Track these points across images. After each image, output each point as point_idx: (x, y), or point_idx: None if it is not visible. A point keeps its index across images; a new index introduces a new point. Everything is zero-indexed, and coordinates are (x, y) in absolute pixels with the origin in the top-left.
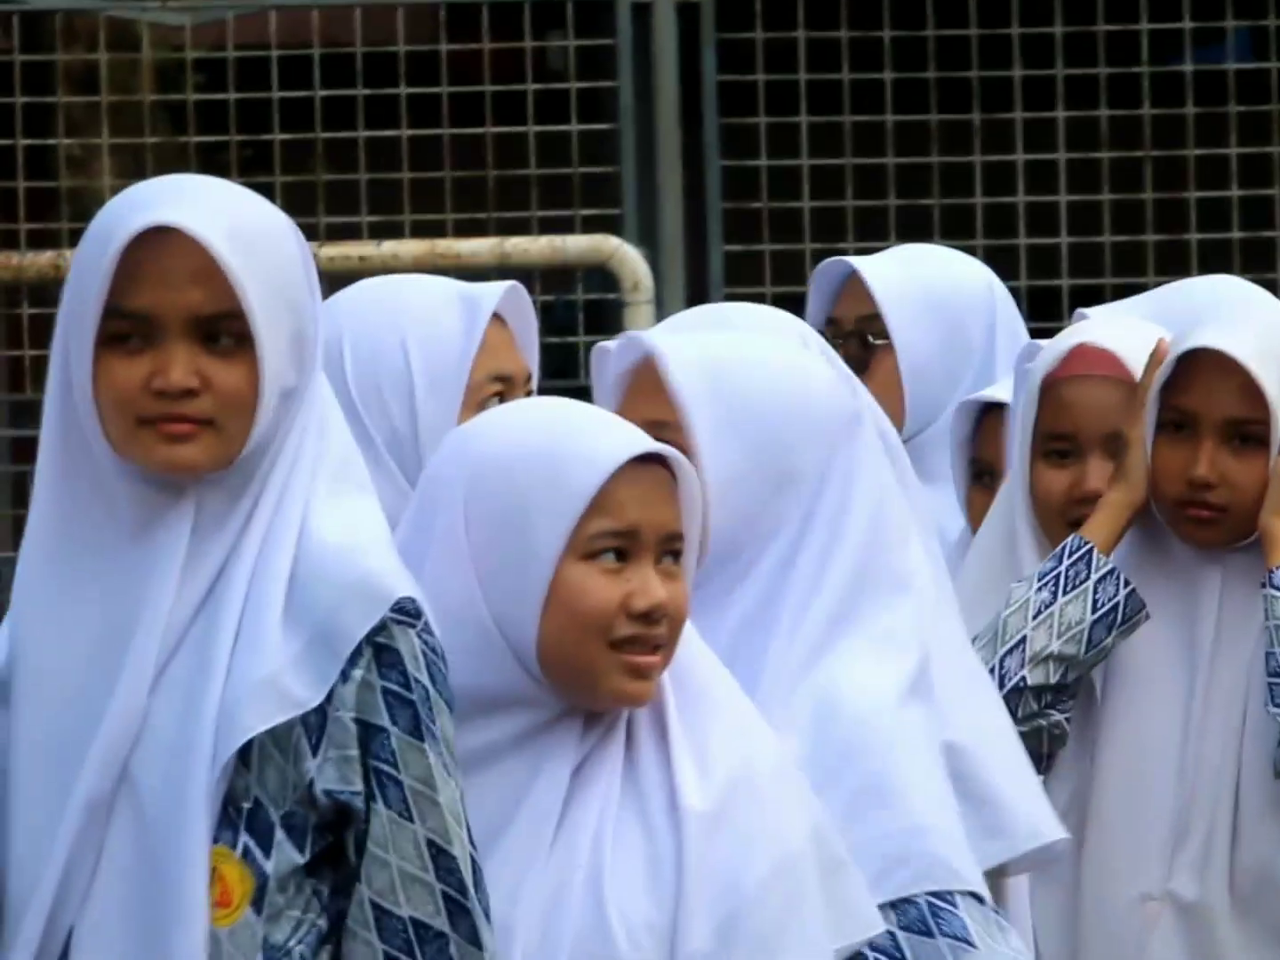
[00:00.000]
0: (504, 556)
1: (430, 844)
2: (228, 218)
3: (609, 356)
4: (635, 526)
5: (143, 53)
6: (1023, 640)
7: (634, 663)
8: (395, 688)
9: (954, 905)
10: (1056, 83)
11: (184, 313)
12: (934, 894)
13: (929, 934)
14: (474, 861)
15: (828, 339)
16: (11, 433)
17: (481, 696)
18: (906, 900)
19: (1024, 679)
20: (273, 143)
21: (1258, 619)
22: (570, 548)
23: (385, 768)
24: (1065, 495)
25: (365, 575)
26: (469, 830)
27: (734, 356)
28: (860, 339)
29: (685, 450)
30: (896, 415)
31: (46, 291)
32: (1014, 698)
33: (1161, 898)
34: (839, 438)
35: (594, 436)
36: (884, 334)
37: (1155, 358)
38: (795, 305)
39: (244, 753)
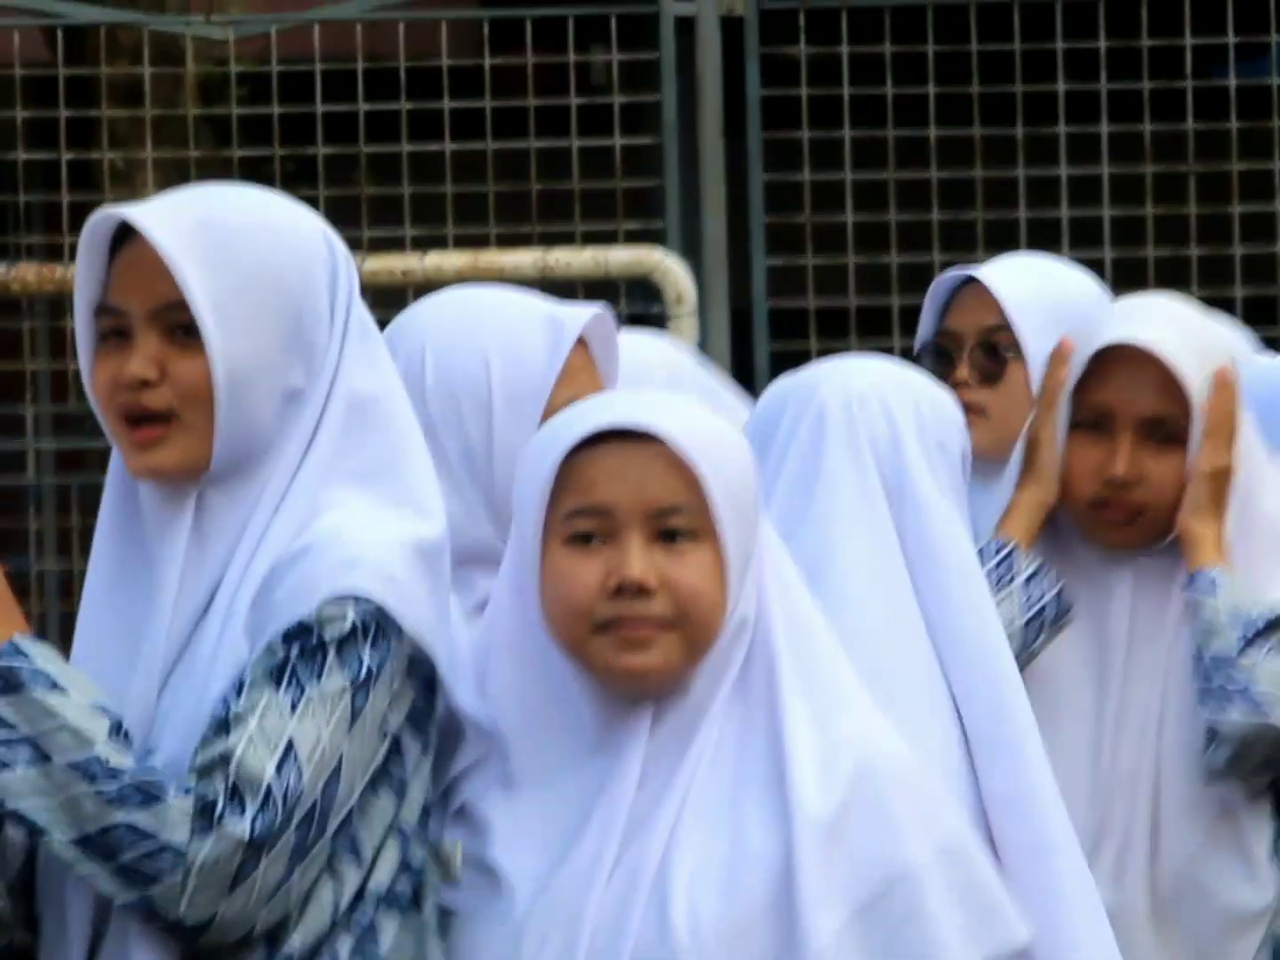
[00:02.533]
0: (519, 548)
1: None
2: (201, 214)
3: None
4: (607, 504)
5: (186, 66)
6: None
7: (621, 637)
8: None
9: None
10: (1100, 97)
11: (147, 305)
12: None
13: None
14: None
15: (938, 351)
16: (56, 445)
17: (550, 696)
18: None
19: None
20: (316, 156)
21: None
22: (549, 533)
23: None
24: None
25: (313, 571)
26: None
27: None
28: (989, 350)
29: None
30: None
31: None
32: None
33: None
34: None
35: (567, 421)
36: (1013, 345)
37: (1059, 354)
38: (838, 319)
39: None
